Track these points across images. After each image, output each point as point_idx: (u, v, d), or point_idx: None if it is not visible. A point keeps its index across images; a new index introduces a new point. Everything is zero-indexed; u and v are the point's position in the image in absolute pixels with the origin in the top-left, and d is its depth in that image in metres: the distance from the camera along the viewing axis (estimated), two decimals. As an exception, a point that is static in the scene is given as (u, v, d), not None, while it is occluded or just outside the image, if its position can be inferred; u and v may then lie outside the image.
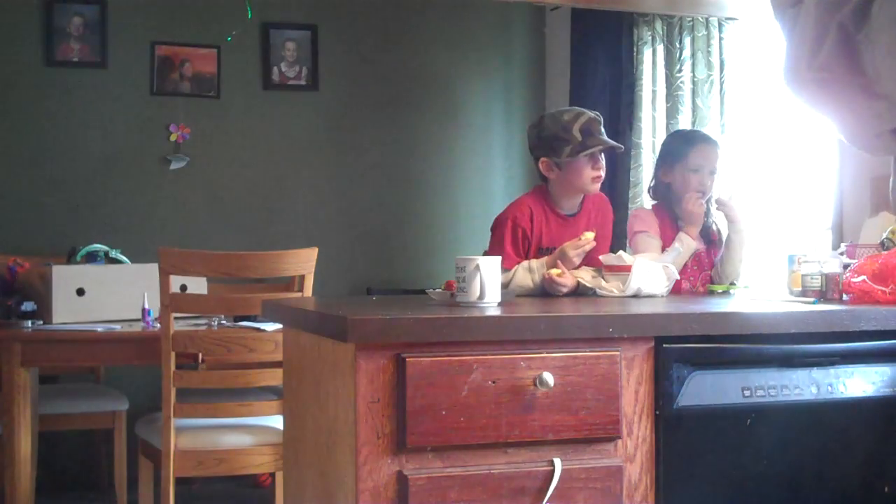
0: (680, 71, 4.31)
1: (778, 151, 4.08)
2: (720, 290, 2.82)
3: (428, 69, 5.21)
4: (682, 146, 3.09)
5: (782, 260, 2.69)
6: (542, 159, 2.80)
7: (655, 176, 3.17)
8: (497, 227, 2.82)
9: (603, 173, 2.81)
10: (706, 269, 3.05)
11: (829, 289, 2.31)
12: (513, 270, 2.66)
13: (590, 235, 2.66)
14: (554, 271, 2.60)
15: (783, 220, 3.99)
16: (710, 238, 3.10)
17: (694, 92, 4.27)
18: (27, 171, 4.65)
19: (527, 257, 2.77)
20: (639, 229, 3.04)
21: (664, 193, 3.12)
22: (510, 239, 2.77)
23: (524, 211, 2.80)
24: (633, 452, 1.91)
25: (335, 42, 5.06)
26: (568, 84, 4.96)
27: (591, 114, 2.82)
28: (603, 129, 2.81)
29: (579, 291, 2.63)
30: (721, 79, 4.19)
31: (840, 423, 2.05)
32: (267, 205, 4.97)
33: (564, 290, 2.60)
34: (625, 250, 2.93)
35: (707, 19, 4.18)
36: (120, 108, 4.76)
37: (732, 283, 2.98)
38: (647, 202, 3.41)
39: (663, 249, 2.92)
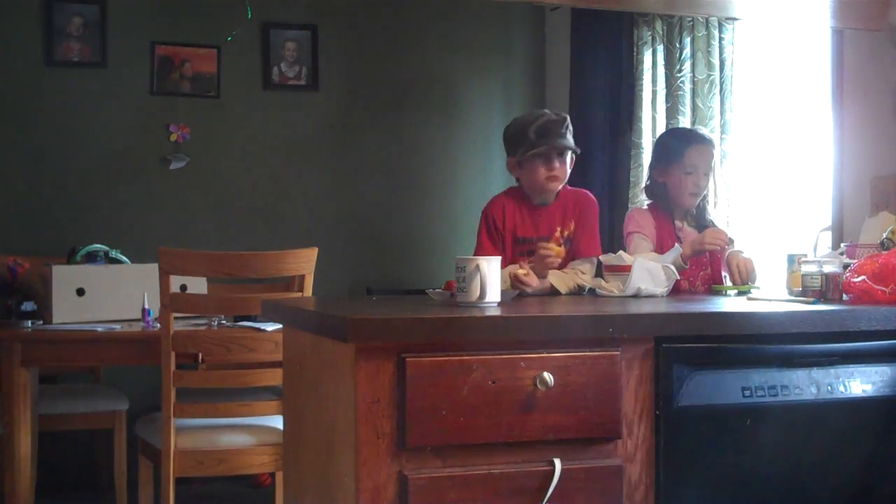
0: (680, 71, 4.31)
1: (778, 151, 4.08)
2: (725, 291, 2.82)
3: (428, 69, 5.21)
4: (676, 146, 3.10)
5: (782, 260, 2.69)
6: (508, 158, 2.94)
7: (650, 176, 3.18)
8: (479, 222, 2.96)
9: (559, 174, 2.85)
10: (706, 269, 3.05)
11: (829, 289, 2.31)
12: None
13: (557, 249, 2.73)
14: (520, 271, 2.68)
15: (783, 220, 3.99)
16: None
17: (694, 92, 4.27)
18: (27, 171, 4.64)
19: (503, 249, 2.86)
20: (631, 230, 3.06)
21: (660, 193, 3.12)
22: (486, 231, 2.91)
23: (497, 204, 2.94)
24: (633, 452, 1.91)
25: (335, 42, 5.06)
26: (568, 84, 4.96)
27: (554, 116, 2.88)
28: (565, 131, 2.86)
29: (571, 292, 2.65)
30: (721, 79, 4.19)
31: (840, 423, 2.05)
32: (267, 205, 4.97)
33: (529, 290, 2.67)
34: (624, 250, 2.93)
35: (707, 19, 4.18)
36: (120, 108, 4.76)
37: (735, 285, 2.98)
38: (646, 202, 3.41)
39: (662, 250, 2.91)
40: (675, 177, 3.06)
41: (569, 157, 2.88)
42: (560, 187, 2.91)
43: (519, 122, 2.94)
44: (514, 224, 2.89)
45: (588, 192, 3.01)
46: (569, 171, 2.90)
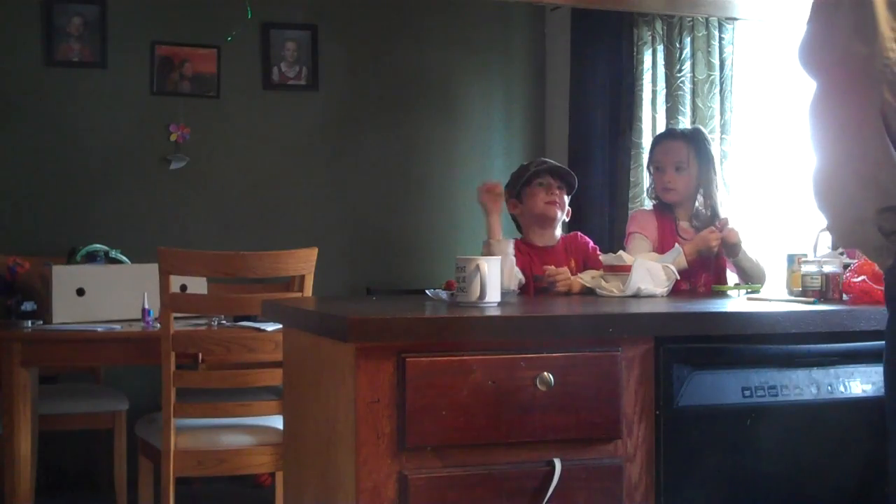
0: (680, 71, 4.31)
1: (778, 151, 4.08)
2: (726, 291, 2.81)
3: (428, 69, 5.21)
4: (651, 147, 3.21)
5: (782, 260, 2.69)
6: (509, 201, 3.07)
7: (650, 177, 3.22)
8: None
9: (559, 200, 3.03)
10: (708, 269, 3.04)
11: (829, 289, 2.31)
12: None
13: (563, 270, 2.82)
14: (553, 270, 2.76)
15: (783, 220, 3.98)
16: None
17: (694, 92, 4.27)
18: (27, 171, 4.64)
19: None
20: (631, 230, 3.09)
21: (654, 194, 3.16)
22: None
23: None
24: (633, 452, 1.91)
25: (335, 42, 5.06)
26: (568, 84, 4.96)
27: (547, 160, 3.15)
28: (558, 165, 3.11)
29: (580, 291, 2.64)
30: (721, 79, 4.19)
31: (840, 423, 2.05)
32: (267, 205, 4.97)
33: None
34: (624, 250, 2.93)
35: (707, 19, 4.18)
36: (120, 108, 4.75)
37: (737, 285, 2.98)
38: (648, 202, 3.43)
39: (664, 250, 2.91)
40: (654, 176, 3.12)
41: (567, 197, 3.06)
42: (560, 216, 3.05)
43: (518, 170, 3.17)
44: (525, 267, 2.91)
45: (577, 233, 3.22)
46: (566, 206, 3.07)
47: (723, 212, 3.14)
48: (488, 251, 2.65)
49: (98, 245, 3.78)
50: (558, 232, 3.13)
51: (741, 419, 1.97)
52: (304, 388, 2.16)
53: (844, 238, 1.78)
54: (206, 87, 4.86)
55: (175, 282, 3.16)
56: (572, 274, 2.79)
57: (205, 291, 3.58)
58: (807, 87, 1.74)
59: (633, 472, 1.91)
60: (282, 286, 3.68)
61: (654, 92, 4.47)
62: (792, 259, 2.59)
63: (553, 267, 2.79)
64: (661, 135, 3.27)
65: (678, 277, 2.64)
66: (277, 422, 3.19)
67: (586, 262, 3.00)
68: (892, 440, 1.70)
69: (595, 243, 3.23)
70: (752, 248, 3.04)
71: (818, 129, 1.70)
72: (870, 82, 1.61)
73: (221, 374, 3.30)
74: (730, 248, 2.93)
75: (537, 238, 3.07)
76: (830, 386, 2.03)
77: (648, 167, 3.21)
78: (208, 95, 4.86)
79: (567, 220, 3.17)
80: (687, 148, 3.06)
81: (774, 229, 3.97)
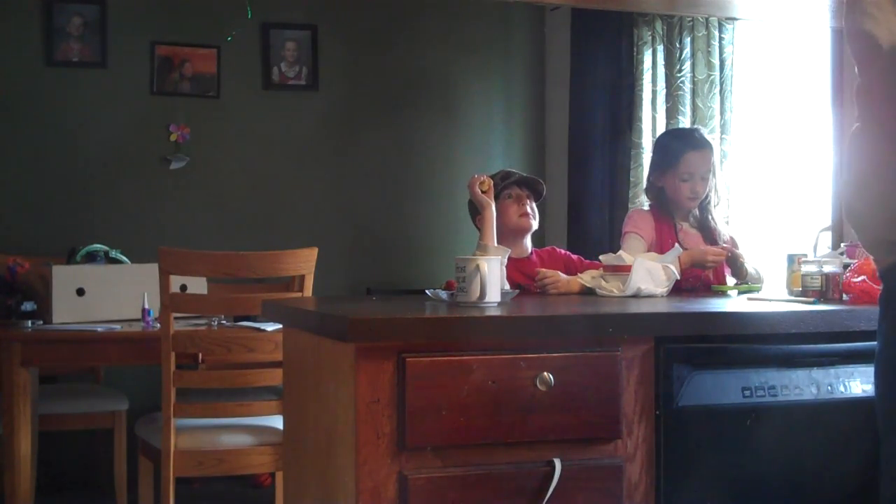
0: (680, 71, 4.31)
1: (778, 151, 4.08)
2: (726, 291, 2.82)
3: (428, 69, 5.21)
4: (673, 151, 3.10)
5: (782, 260, 2.69)
6: (477, 217, 2.93)
7: (649, 178, 3.18)
8: None
9: (530, 210, 3.00)
10: (706, 269, 3.04)
11: (829, 289, 2.31)
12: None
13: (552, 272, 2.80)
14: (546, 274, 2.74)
15: (783, 220, 3.99)
16: (712, 239, 3.10)
17: (694, 92, 4.27)
18: (27, 171, 4.64)
19: None
20: (627, 230, 3.09)
21: (658, 196, 3.13)
22: None
23: None
24: (633, 452, 1.91)
25: (335, 42, 5.06)
26: (568, 84, 4.96)
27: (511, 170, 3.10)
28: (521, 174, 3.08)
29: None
30: (721, 79, 4.19)
31: (840, 423, 2.05)
32: (267, 205, 4.97)
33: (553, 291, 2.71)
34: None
35: (707, 19, 4.18)
36: (120, 108, 4.76)
37: (737, 285, 2.98)
38: (647, 202, 3.42)
39: (662, 251, 2.91)
40: (671, 182, 3.07)
41: (535, 204, 3.03)
42: (533, 228, 3.02)
43: None
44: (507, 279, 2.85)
45: (551, 248, 3.18)
46: (537, 215, 3.03)
47: (714, 211, 3.14)
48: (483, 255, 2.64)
49: (98, 245, 3.78)
50: (529, 242, 3.08)
51: (741, 419, 1.97)
52: (304, 388, 2.16)
53: (873, 228, 1.69)
54: (206, 87, 4.86)
55: (175, 282, 3.16)
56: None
57: (205, 291, 3.58)
58: (809, 86, 1.71)
59: (633, 472, 1.91)
60: (282, 286, 3.68)
61: (654, 92, 4.47)
62: (792, 259, 2.59)
63: (545, 269, 2.78)
64: (685, 143, 3.10)
65: (678, 277, 2.64)
66: (277, 422, 3.19)
67: (574, 263, 2.99)
68: (884, 442, 1.69)
69: (595, 243, 3.23)
70: (750, 255, 3.07)
71: (870, 121, 1.61)
72: None
73: (221, 374, 3.29)
74: (737, 270, 2.96)
75: (512, 250, 2.94)
76: (830, 386, 2.03)
77: (661, 170, 3.12)
78: (208, 95, 4.86)
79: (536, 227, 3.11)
80: (712, 155, 3.08)
81: (774, 229, 3.97)
